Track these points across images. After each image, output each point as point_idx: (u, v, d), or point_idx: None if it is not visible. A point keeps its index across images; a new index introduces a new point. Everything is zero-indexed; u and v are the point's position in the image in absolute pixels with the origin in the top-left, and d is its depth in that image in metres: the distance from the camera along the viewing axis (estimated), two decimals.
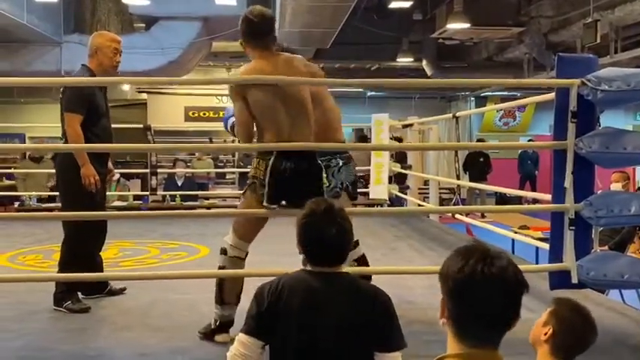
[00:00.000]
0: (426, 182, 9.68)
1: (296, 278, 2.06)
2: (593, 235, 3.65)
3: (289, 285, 2.02)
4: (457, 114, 6.93)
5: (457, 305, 1.36)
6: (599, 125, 3.57)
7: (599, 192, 3.67)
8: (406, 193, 9.26)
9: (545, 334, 2.04)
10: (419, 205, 8.32)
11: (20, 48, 10.70)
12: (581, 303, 2.19)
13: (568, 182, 3.45)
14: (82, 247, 4.16)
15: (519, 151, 15.84)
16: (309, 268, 2.07)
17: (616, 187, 5.89)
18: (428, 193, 9.11)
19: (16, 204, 9.94)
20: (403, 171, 9.66)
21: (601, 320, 3.73)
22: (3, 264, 5.59)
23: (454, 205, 10.15)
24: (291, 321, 1.98)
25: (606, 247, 5.33)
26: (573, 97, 3.41)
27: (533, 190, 14.20)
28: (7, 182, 12.40)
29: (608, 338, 3.50)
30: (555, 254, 3.57)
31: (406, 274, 4.78)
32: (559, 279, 3.55)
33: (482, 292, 1.33)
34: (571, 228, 3.46)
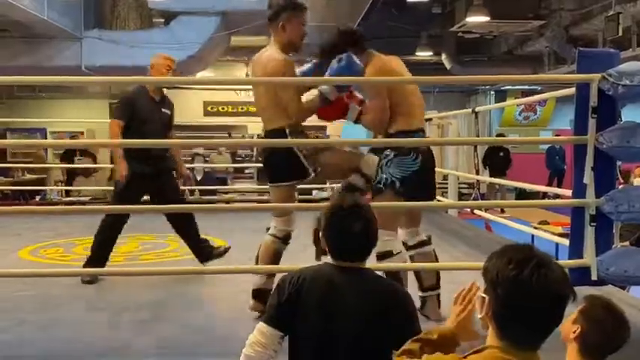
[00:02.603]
0: (445, 177, 9.64)
1: (318, 271, 2.07)
2: (614, 231, 3.62)
3: (310, 277, 2.03)
4: (477, 109, 6.88)
5: (503, 310, 1.35)
6: (621, 120, 3.53)
7: (620, 187, 3.63)
8: None
9: (575, 332, 1.98)
10: (437, 200, 8.27)
11: (41, 43, 10.81)
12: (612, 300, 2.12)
13: (588, 177, 3.42)
14: (109, 239, 4.70)
15: (547, 146, 15.64)
16: (331, 261, 2.07)
17: (639, 182, 5.82)
18: (447, 188, 9.06)
19: (37, 198, 10.07)
20: None
21: None
22: (25, 257, 5.67)
23: (473, 200, 10.10)
24: (310, 313, 1.98)
25: (627, 243, 5.28)
26: (594, 92, 3.37)
27: (560, 186, 14.04)
28: (28, 177, 12.55)
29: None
30: (575, 250, 3.54)
31: (425, 269, 4.76)
32: (579, 275, 3.51)
33: (533, 303, 1.32)
34: (592, 224, 3.43)
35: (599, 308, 2.00)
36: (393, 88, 3.63)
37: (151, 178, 4.77)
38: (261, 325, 2.06)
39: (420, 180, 3.62)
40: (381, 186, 3.57)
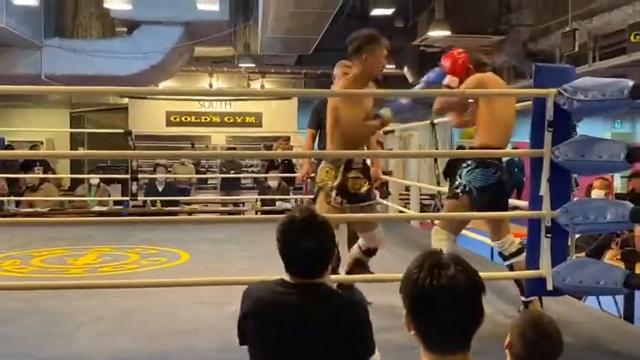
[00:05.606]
0: (407, 188, 9.73)
1: (270, 288, 2.00)
2: (569, 242, 3.70)
3: (262, 294, 1.99)
4: (435, 121, 6.96)
5: (417, 320, 1.35)
6: (576, 134, 3.62)
7: (575, 199, 3.72)
8: (386, 199, 9.30)
9: (506, 343, 2.03)
10: (400, 212, 8.35)
11: (0, 52, 10.62)
12: (545, 313, 2.16)
13: (544, 190, 3.50)
14: None
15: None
16: (286, 278, 1.98)
17: (598, 194, 5.93)
18: (409, 199, 9.14)
19: None
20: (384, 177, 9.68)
21: (578, 326, 3.79)
22: None
23: (433, 210, 10.20)
24: (262, 330, 1.95)
25: (583, 254, 5.38)
26: (550, 106, 3.46)
27: (519, 197, 14.25)
28: None
29: (584, 344, 3.55)
30: (532, 261, 3.60)
31: (389, 281, 4.79)
32: (536, 285, 3.58)
33: (435, 305, 1.32)
34: (547, 236, 3.50)
35: (526, 322, 2.04)
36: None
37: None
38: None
39: (495, 193, 3.86)
40: (459, 191, 3.84)
